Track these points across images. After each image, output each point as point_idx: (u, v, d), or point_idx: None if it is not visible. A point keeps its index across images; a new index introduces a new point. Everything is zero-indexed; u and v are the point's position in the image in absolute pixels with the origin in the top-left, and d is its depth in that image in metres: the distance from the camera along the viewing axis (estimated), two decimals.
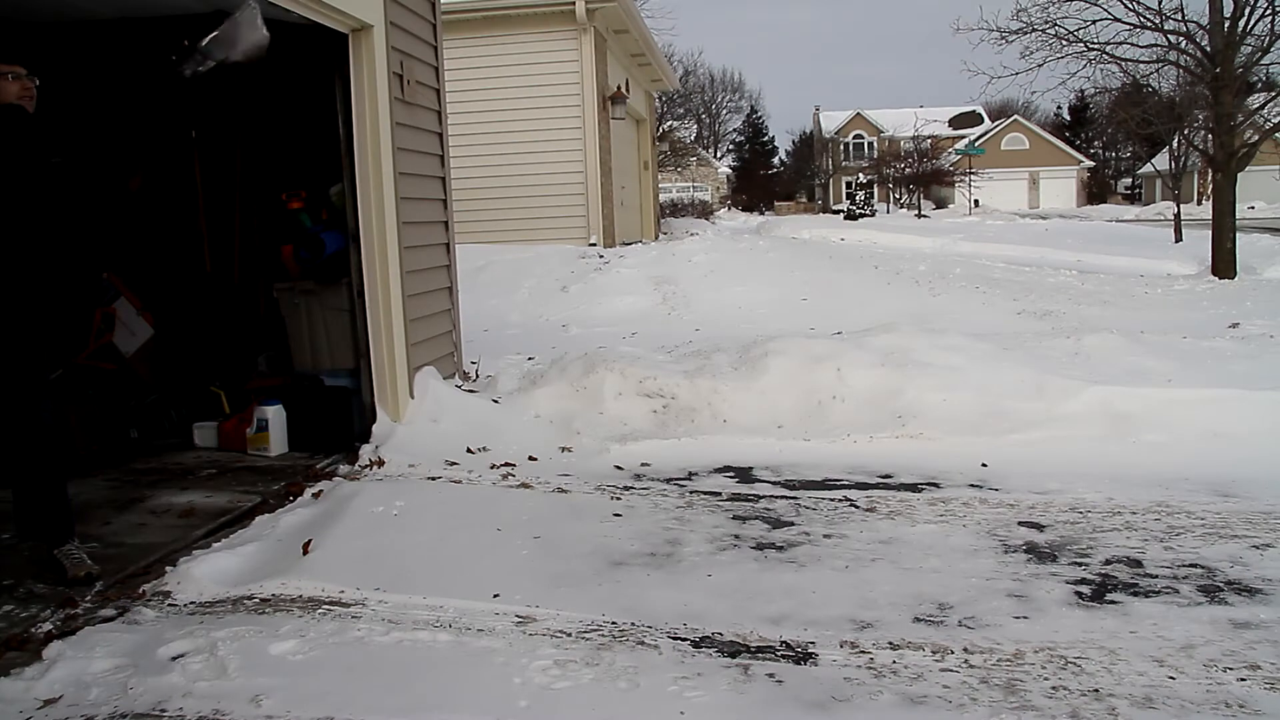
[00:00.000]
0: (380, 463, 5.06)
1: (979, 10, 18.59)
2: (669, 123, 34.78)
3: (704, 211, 32.81)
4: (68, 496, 3.78)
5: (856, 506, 4.45)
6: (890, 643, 3.04)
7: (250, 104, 6.03)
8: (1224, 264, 13.45)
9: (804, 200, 54.35)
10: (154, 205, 6.14)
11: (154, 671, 2.89)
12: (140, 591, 3.54)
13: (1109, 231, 24.73)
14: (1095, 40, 14.09)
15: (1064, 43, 14.16)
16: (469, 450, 5.30)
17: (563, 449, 5.42)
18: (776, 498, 4.62)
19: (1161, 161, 26.23)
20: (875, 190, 46.43)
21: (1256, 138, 14.19)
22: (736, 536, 4.06)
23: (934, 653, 2.97)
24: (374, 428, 5.46)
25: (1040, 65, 14.43)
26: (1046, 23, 14.03)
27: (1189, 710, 2.61)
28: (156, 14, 5.46)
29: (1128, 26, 13.85)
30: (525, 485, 4.80)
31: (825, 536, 4.04)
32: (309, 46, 5.27)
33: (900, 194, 45.94)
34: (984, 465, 5.01)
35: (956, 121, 57.27)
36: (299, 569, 3.62)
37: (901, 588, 3.48)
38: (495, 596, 3.42)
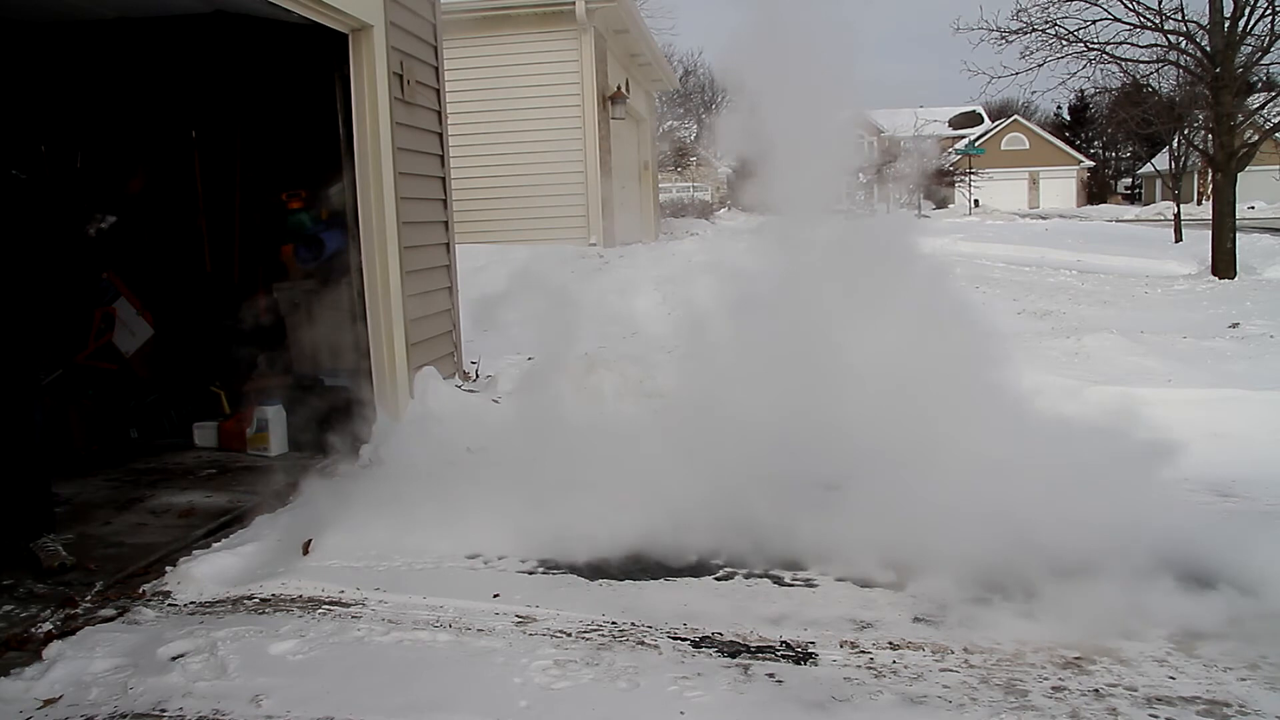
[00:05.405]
0: (380, 462, 5.06)
1: (979, 10, 18.60)
2: (669, 123, 34.75)
3: (704, 212, 32.75)
4: (50, 494, 3.78)
5: None
6: (890, 643, 3.04)
7: (250, 104, 6.03)
8: (1224, 264, 13.44)
9: None
10: (154, 205, 6.14)
11: (154, 671, 2.89)
12: (140, 591, 3.54)
13: (1109, 231, 24.71)
14: (1095, 40, 14.10)
15: (1064, 43, 14.16)
16: (469, 450, 5.29)
17: None
18: None
19: (1161, 161, 26.23)
20: (875, 190, 46.38)
21: (1256, 138, 14.17)
22: None
23: (934, 653, 2.97)
24: (374, 428, 5.46)
25: (1040, 65, 14.45)
26: (1046, 23, 14.04)
27: (1189, 708, 2.61)
28: (156, 14, 5.46)
29: (1128, 26, 13.86)
30: None
31: None
32: (309, 46, 5.27)
33: (900, 194, 45.89)
34: None
35: (956, 121, 57.17)
36: (299, 569, 3.63)
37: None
38: (495, 596, 3.42)
